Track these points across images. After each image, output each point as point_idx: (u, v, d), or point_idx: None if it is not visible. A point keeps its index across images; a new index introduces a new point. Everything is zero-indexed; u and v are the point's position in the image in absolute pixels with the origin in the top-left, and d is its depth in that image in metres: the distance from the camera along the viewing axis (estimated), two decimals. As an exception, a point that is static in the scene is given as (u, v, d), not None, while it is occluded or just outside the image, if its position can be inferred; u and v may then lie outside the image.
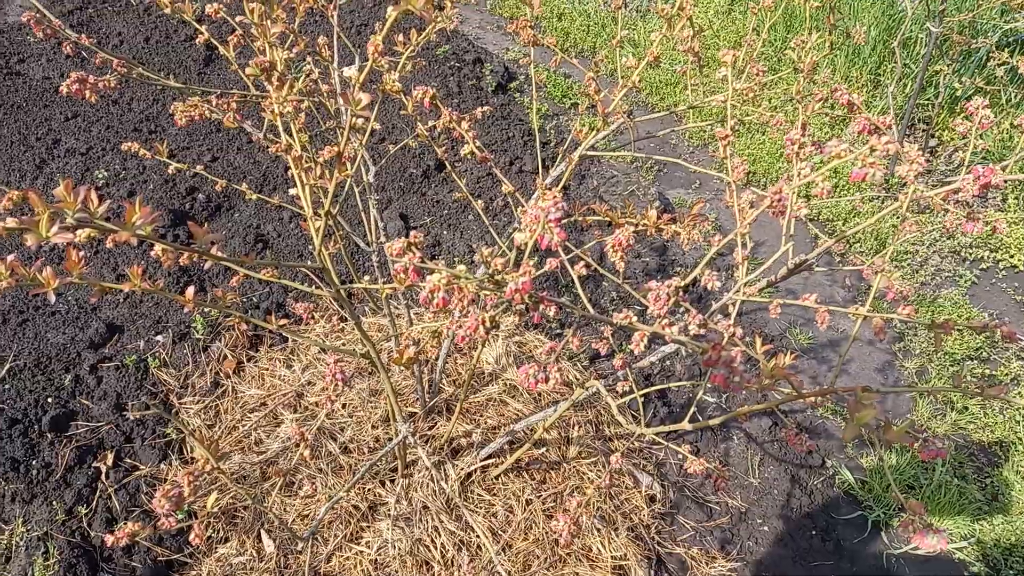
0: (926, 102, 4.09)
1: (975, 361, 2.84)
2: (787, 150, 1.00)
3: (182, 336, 2.52)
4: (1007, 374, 2.79)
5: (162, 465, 2.20)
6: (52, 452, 2.17)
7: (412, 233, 0.75)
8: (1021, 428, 2.55)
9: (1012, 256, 3.37)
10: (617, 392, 1.50)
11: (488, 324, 0.69)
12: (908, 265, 3.29)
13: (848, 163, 0.86)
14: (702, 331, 0.82)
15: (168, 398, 2.36)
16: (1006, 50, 3.80)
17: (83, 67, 3.58)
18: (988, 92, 3.89)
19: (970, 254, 3.39)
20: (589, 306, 0.83)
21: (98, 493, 2.12)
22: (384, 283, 1.12)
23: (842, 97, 1.05)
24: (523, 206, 1.42)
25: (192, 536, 0.99)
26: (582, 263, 0.94)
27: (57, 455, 2.17)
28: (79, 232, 0.83)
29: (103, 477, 2.16)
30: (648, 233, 1.40)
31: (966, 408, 2.65)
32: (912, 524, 0.79)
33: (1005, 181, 1.02)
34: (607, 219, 1.47)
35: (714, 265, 3.26)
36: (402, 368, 2.34)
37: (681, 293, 0.89)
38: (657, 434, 1.17)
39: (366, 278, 1.66)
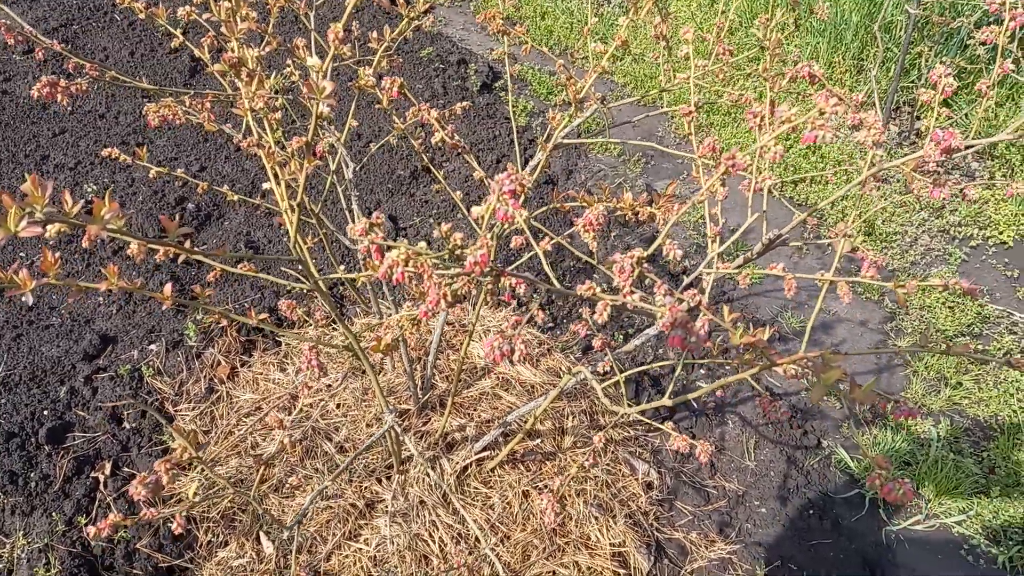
0: (910, 84, 4.10)
1: (967, 337, 2.85)
2: (750, 124, 1.02)
3: (175, 344, 2.53)
4: (999, 348, 2.79)
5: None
6: (50, 464, 2.18)
7: (375, 215, 0.76)
8: (1015, 401, 2.56)
9: (1001, 232, 3.38)
10: (603, 375, 1.51)
11: (450, 298, 0.70)
12: (898, 245, 3.30)
13: (802, 127, 0.87)
14: (666, 299, 0.83)
15: (163, 406, 2.37)
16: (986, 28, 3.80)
17: (65, 78, 3.60)
18: (971, 71, 3.90)
19: (959, 232, 3.39)
20: (556, 281, 0.84)
21: (97, 503, 2.13)
22: (360, 274, 1.13)
23: (804, 70, 1.06)
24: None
25: (174, 526, 1.00)
26: (547, 240, 0.95)
27: (55, 467, 2.18)
28: (49, 227, 0.84)
29: (101, 487, 2.17)
30: (627, 217, 1.41)
31: (960, 384, 2.66)
32: (878, 478, 0.80)
33: (967, 147, 1.03)
34: (586, 205, 1.48)
35: (703, 254, 3.27)
36: (394, 365, 2.35)
37: (650, 269, 0.90)
38: (642, 413, 1.18)
39: (342, 267, 1.67)
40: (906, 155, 3.70)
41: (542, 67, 4.53)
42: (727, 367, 2.61)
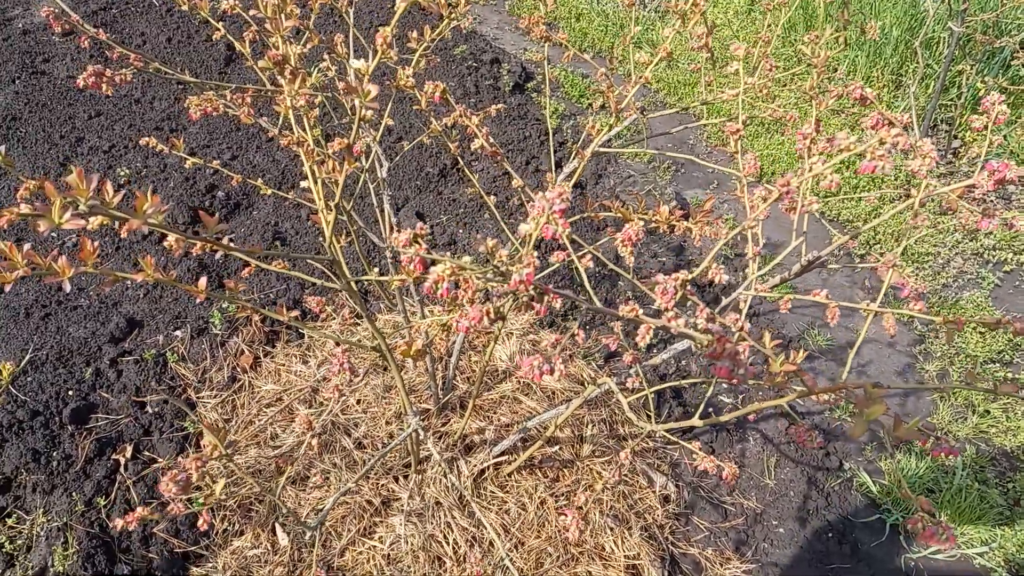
0: (948, 103, 4.04)
1: (997, 364, 2.80)
2: (798, 145, 1.00)
3: (200, 331, 2.55)
4: (1030, 377, 2.74)
5: (180, 458, 2.22)
6: (72, 444, 2.20)
7: (419, 225, 0.75)
8: (1044, 432, 2.51)
9: (1037, 258, 3.31)
10: (629, 389, 1.50)
11: (493, 315, 0.69)
12: (930, 267, 3.24)
13: (857, 156, 0.85)
14: (710, 325, 0.81)
15: (186, 392, 2.39)
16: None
17: (106, 66, 3.64)
18: (1012, 92, 3.83)
19: (993, 256, 3.33)
20: (596, 299, 0.83)
21: (117, 485, 2.15)
22: (394, 276, 1.13)
23: (855, 92, 1.04)
24: (533, 200, 1.42)
25: (200, 522, 1.00)
26: (589, 256, 0.94)
27: (77, 447, 2.20)
28: (91, 219, 0.84)
29: (122, 469, 2.18)
30: (660, 229, 1.40)
31: (988, 412, 2.61)
32: (920, 522, 0.78)
33: (1020, 177, 1.00)
34: (620, 216, 1.47)
35: (731, 265, 3.24)
36: (416, 365, 2.35)
37: (689, 287, 0.88)
38: (668, 431, 1.17)
39: (376, 270, 1.67)
40: (942, 174, 3.62)
41: (574, 69, 4.50)
42: (751, 384, 2.58)
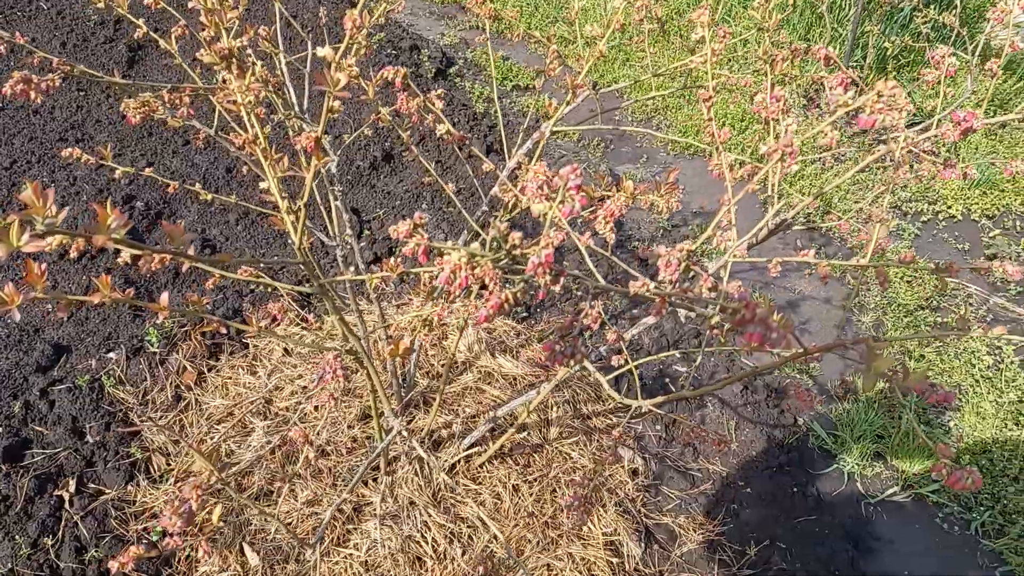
0: (855, 64, 4.19)
1: (926, 310, 2.94)
2: (771, 108, 1.00)
3: (136, 351, 2.41)
4: (956, 320, 2.89)
5: (129, 486, 2.10)
6: (9, 484, 2.05)
7: (416, 215, 0.71)
8: (977, 371, 2.65)
9: (950, 207, 3.49)
10: (613, 367, 1.49)
11: (511, 302, 0.67)
12: (854, 221, 3.37)
13: (856, 111, 0.86)
14: (712, 295, 0.80)
15: (128, 416, 2.26)
16: (931, 7, 3.91)
17: (-3, 77, 3.36)
18: (915, 49, 4.01)
19: (910, 208, 3.49)
20: (600, 277, 0.81)
21: (63, 522, 2.01)
22: (368, 274, 1.08)
23: (819, 52, 1.05)
24: (506, 184, 1.38)
25: (200, 554, 0.93)
26: (588, 234, 0.92)
27: (14, 486, 2.05)
28: (50, 239, 0.76)
29: (67, 505, 2.05)
30: (625, 204, 1.39)
31: (923, 356, 2.74)
32: (944, 468, 0.79)
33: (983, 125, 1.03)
34: (587, 193, 1.44)
35: (670, 237, 3.29)
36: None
37: (693, 258, 0.87)
38: (654, 405, 1.17)
39: (351, 269, 1.60)
40: (857, 132, 3.70)
41: (495, 51, 4.46)
42: (778, 345, 2.62)
